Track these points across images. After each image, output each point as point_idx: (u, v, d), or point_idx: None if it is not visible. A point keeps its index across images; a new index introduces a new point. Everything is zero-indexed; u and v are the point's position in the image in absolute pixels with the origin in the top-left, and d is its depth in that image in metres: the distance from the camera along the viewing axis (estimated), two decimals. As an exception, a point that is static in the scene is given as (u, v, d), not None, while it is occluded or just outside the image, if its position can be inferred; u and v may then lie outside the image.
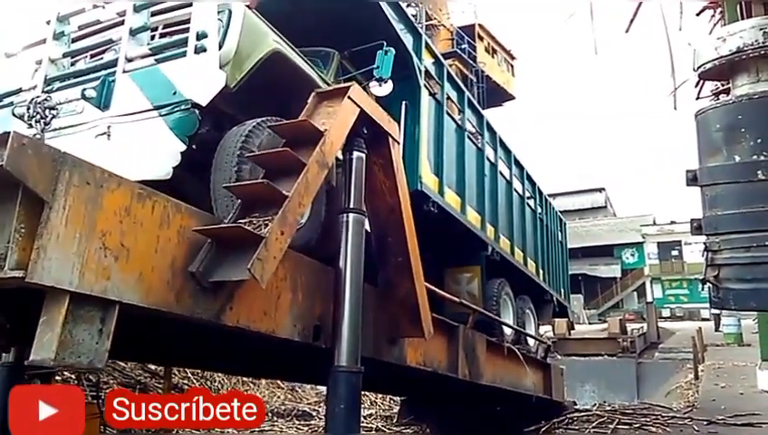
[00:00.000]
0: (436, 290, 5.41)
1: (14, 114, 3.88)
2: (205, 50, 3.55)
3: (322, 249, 4.73)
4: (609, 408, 10.19)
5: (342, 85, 4.10)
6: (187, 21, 3.80)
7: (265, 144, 3.77)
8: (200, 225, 2.95)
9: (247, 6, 4.01)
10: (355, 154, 3.94)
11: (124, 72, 3.71)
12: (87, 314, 2.42)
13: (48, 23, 4.25)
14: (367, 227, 4.25)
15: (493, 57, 27.31)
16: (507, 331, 7.83)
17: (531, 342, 9.09)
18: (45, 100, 3.74)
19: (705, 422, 8.39)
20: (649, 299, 34.15)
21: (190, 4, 3.86)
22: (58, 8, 4.27)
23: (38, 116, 3.69)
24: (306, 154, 3.42)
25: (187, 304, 2.83)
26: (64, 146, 3.70)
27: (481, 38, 26.68)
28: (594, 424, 9.10)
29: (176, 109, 3.45)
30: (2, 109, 4.24)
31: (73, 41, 4.20)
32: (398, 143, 4.41)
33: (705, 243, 8.18)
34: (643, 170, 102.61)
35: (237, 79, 3.85)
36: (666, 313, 33.41)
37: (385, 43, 5.22)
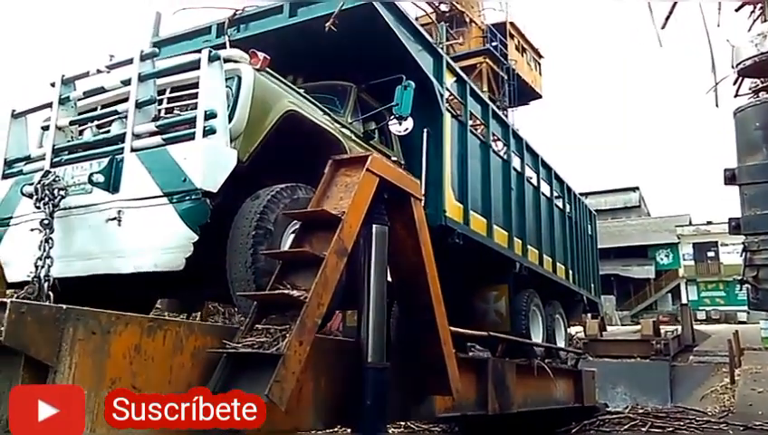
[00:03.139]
0: (463, 331, 5.26)
1: (22, 193, 3.77)
2: (214, 131, 3.37)
3: (346, 305, 4.62)
4: (641, 411, 10.02)
5: (360, 155, 3.90)
6: (196, 85, 3.62)
7: (281, 220, 3.62)
8: (215, 340, 2.83)
9: (257, 69, 3.79)
10: (375, 227, 3.75)
11: (132, 150, 3.55)
12: (100, 467, 2.32)
13: (53, 85, 4.09)
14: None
15: (522, 56, 26.70)
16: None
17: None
18: (54, 181, 3.63)
19: (741, 427, 8.21)
20: (684, 301, 32.90)
21: (198, 65, 3.64)
22: (62, 71, 4.10)
23: (47, 198, 3.58)
24: (324, 241, 3.27)
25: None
26: (75, 226, 3.66)
27: (512, 36, 26.09)
28: (626, 427, 8.98)
29: (186, 197, 3.30)
30: (11, 177, 4.14)
31: (80, 108, 4.04)
32: (420, 201, 4.21)
33: (743, 243, 7.87)
34: (678, 169, 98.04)
35: (249, 151, 3.69)
36: (701, 315, 32.08)
37: (404, 78, 4.98)
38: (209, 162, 3.33)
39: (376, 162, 3.67)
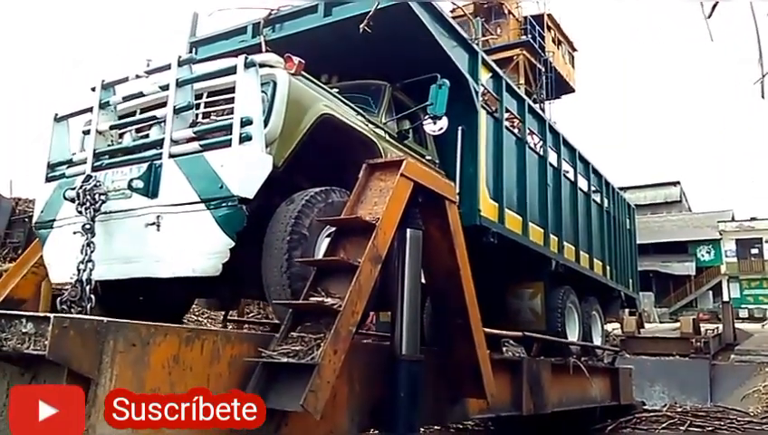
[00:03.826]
0: (498, 332, 5.22)
1: (65, 197, 3.86)
2: (250, 138, 3.39)
3: (379, 307, 4.61)
4: (680, 409, 9.82)
5: (395, 159, 3.87)
6: (232, 89, 3.64)
7: (316, 225, 3.63)
8: (251, 348, 2.87)
9: (292, 74, 3.79)
10: (409, 231, 3.73)
11: (170, 156, 3.59)
12: (140, 475, 2.38)
13: (93, 90, 4.16)
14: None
15: (558, 48, 26.34)
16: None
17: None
18: (95, 186, 3.70)
19: (785, 429, 7.97)
20: (726, 298, 31.74)
21: (234, 71, 3.65)
22: (102, 76, 4.17)
23: (88, 203, 3.66)
24: (358, 247, 3.27)
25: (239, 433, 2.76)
26: (115, 231, 3.74)
27: (549, 28, 25.73)
28: (664, 425, 8.82)
29: (223, 204, 3.33)
30: (54, 180, 4.23)
31: (119, 112, 4.10)
32: (455, 203, 4.17)
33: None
34: (721, 164, 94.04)
35: (285, 156, 3.70)
36: (743, 313, 30.85)
37: (439, 76, 4.93)
38: (245, 169, 3.36)
39: (410, 166, 3.64)
